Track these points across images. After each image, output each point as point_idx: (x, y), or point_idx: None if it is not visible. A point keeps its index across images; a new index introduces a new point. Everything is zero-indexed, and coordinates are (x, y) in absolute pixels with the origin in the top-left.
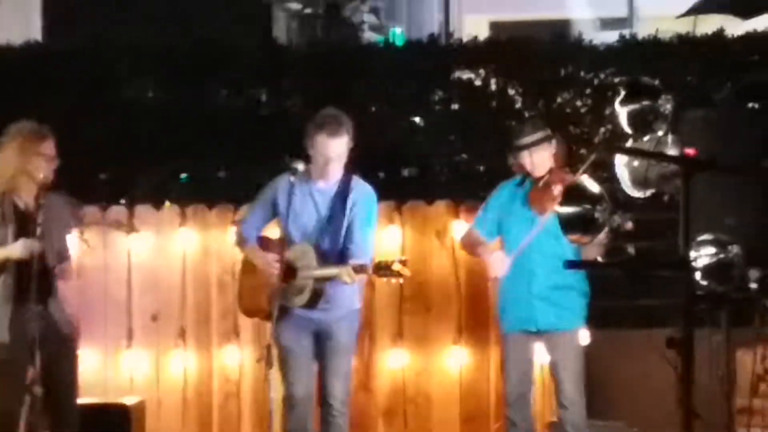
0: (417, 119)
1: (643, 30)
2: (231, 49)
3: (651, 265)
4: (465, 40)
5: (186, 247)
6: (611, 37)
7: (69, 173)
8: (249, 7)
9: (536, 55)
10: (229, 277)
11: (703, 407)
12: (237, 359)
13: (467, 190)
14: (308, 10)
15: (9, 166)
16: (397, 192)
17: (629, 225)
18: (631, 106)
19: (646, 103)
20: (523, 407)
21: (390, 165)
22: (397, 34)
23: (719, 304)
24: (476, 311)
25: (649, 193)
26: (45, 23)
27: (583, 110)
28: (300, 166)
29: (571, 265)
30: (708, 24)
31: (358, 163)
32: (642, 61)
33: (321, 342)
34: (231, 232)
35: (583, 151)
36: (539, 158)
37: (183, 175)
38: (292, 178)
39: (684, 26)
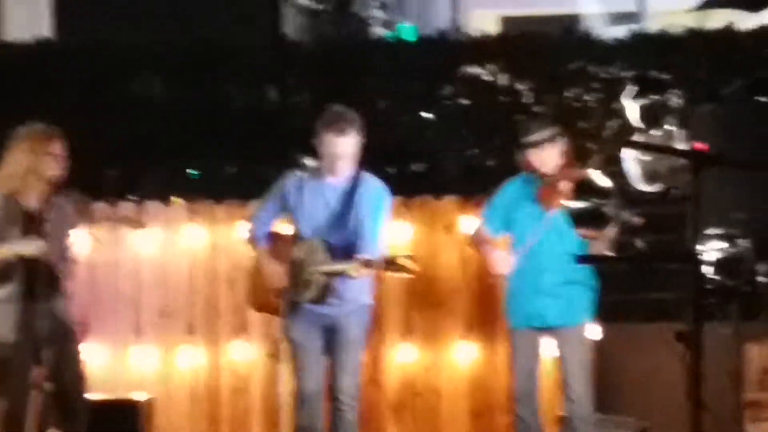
0: (426, 114)
1: (652, 25)
2: (239, 46)
3: (660, 259)
4: (474, 35)
5: (194, 243)
6: (621, 31)
7: (78, 170)
8: (257, 4)
9: (545, 50)
10: (237, 273)
11: (712, 401)
12: (246, 354)
13: (476, 186)
14: (317, 6)
15: (19, 166)
16: (406, 187)
17: (638, 220)
18: (641, 101)
19: (655, 97)
20: (531, 402)
21: (399, 160)
22: (407, 29)
23: (728, 298)
24: (485, 306)
25: (658, 187)
26: (55, 21)
27: (592, 105)
28: (310, 163)
29: (581, 259)
30: (717, 18)
31: (367, 159)
32: (652, 55)
33: (331, 337)
34: (239, 228)
35: (592, 145)
36: (547, 155)
37: (192, 172)
38: (302, 175)
39: (694, 21)
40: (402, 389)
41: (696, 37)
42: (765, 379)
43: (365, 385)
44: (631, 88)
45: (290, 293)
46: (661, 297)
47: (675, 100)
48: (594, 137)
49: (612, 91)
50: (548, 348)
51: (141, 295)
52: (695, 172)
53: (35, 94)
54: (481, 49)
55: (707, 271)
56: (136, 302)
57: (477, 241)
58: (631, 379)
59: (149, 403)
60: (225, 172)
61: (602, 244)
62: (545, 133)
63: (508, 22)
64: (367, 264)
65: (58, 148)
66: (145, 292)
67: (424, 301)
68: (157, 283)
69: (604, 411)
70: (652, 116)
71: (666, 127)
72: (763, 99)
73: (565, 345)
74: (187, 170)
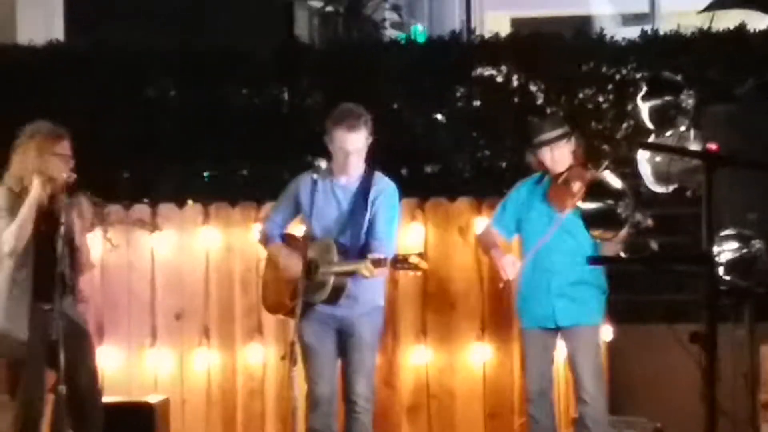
0: (439, 116)
1: (664, 25)
2: (252, 48)
3: (674, 260)
4: (486, 36)
5: (209, 246)
6: (633, 32)
7: (92, 172)
8: (270, 6)
9: (558, 51)
10: (252, 275)
11: (726, 402)
12: (261, 357)
13: (490, 187)
14: (329, 8)
15: (26, 165)
16: (419, 189)
17: (650, 221)
18: (653, 102)
19: (668, 98)
20: (545, 404)
21: (412, 162)
22: (419, 31)
23: (742, 299)
24: (499, 307)
25: (671, 188)
26: (67, 24)
27: (604, 106)
28: (322, 164)
29: (593, 261)
30: (728, 19)
31: (380, 160)
32: (664, 56)
33: (344, 339)
34: (254, 230)
35: (605, 146)
36: (559, 155)
37: (206, 174)
38: (314, 176)
39: (706, 21)
40: (416, 391)
41: (708, 37)
42: None
43: (379, 387)
44: (643, 89)
45: (303, 295)
46: (674, 298)
47: (687, 100)
48: (606, 138)
49: (624, 92)
50: (561, 349)
51: (155, 298)
52: (708, 172)
53: (48, 96)
54: (494, 50)
55: (721, 272)
56: (150, 305)
57: (484, 242)
58: (644, 380)
59: (164, 406)
60: (239, 174)
61: (615, 245)
62: (557, 131)
63: (520, 23)
64: (379, 263)
65: (64, 148)
66: (159, 295)
67: (438, 303)
68: (172, 286)
69: (617, 412)
70: (664, 117)
71: (678, 128)
72: None
73: (577, 346)
74: (202, 172)
